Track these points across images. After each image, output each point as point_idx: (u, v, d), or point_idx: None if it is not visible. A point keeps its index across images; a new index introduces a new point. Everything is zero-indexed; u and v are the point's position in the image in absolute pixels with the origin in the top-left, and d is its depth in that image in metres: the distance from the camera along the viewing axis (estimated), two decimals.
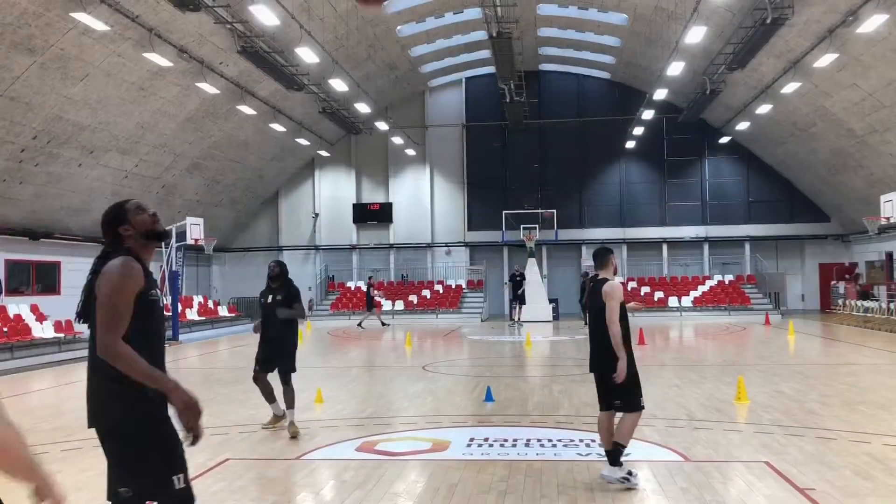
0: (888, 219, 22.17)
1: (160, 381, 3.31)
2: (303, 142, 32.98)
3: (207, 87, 23.33)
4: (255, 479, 6.83)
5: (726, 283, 33.59)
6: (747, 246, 35.01)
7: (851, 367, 14.48)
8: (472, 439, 8.22)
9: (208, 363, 18.55)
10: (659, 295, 32.98)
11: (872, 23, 18.46)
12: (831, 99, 24.97)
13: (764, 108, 27.81)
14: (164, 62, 20.51)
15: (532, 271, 31.01)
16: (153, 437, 3.37)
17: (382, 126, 32.76)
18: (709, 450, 7.62)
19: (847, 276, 32.49)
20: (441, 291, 34.87)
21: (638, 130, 33.13)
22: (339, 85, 25.36)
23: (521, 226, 33.33)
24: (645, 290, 33.53)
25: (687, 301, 32.41)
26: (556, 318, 31.28)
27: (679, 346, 20.27)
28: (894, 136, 24.01)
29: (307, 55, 21.90)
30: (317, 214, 37.31)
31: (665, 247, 35.71)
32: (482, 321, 31.78)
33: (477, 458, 7.43)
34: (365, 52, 28.89)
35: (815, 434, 8.24)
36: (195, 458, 7.55)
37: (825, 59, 21.59)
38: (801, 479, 6.43)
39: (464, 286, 35.37)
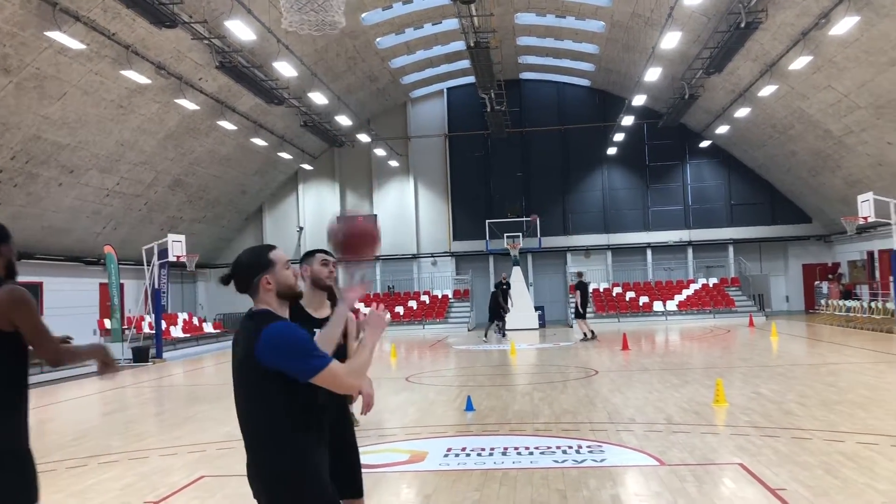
0: (865, 219, 22.35)
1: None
2: (285, 156, 32.96)
3: (187, 104, 23.31)
4: (229, 495, 6.80)
5: (710, 286, 33.75)
6: (730, 249, 35.21)
7: (832, 367, 14.56)
8: (449, 449, 8.21)
9: (191, 380, 18.45)
10: (644, 300, 33.09)
11: (844, 25, 18.67)
12: (808, 101, 25.19)
13: (742, 112, 28.05)
14: (142, 79, 20.49)
15: (517, 279, 31.04)
16: (14, 465, 3.26)
17: (365, 138, 32.82)
18: (684, 453, 7.64)
19: (830, 277, 32.71)
20: (427, 302, 34.86)
21: (619, 137, 33.37)
22: (319, 98, 25.40)
23: (505, 234, 33.43)
24: (630, 294, 33.63)
25: (672, 305, 32.53)
26: (542, 325, 31.32)
27: (662, 351, 20.33)
28: (870, 136, 24.24)
29: (286, 69, 21.97)
30: (301, 228, 37.28)
31: (649, 251, 35.86)
32: (469, 331, 31.78)
33: (453, 469, 7.43)
34: (345, 65, 28.94)
35: (790, 435, 8.28)
36: (168, 477, 7.55)
37: (800, 62, 21.80)
38: (773, 479, 6.46)
39: (450, 296, 35.37)
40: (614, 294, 34.01)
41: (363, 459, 7.86)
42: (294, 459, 3.01)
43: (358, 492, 4.29)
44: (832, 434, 8.19)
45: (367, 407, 4.80)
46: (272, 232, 37.59)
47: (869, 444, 7.61)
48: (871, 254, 29.92)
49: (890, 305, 22.55)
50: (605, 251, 36.22)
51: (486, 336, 25.62)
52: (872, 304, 24.09)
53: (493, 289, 29.63)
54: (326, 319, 4.29)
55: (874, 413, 9.40)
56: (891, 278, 23.33)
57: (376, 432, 9.47)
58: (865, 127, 24.04)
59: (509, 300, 26.67)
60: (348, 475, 4.19)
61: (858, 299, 26.75)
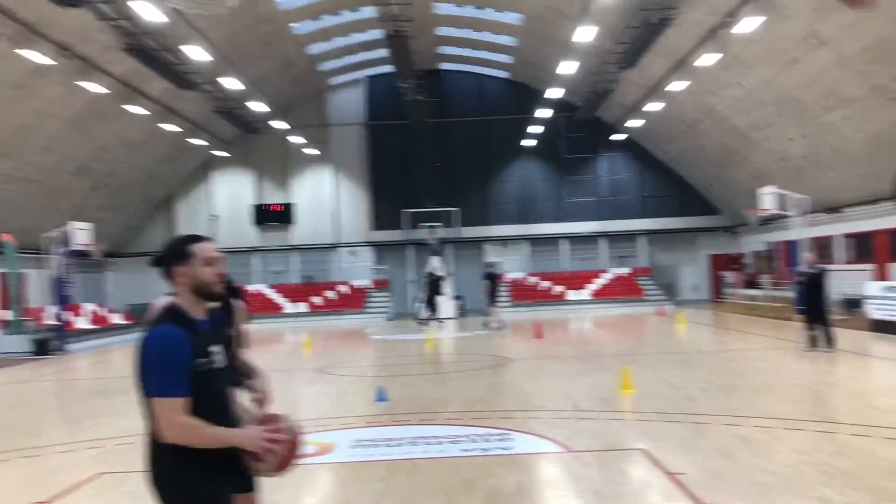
0: (766, 211, 23.28)
1: None
2: (198, 142, 32.05)
3: (93, 87, 22.36)
4: (128, 493, 6.56)
5: (622, 275, 34.61)
6: (642, 240, 36.14)
7: (734, 354, 15.13)
8: (357, 441, 8.14)
9: (96, 373, 17.80)
10: (559, 289, 33.68)
11: (749, 24, 19.32)
12: (716, 97, 26.02)
13: (655, 107, 28.70)
14: (44, 60, 19.50)
15: (436, 269, 31.10)
16: None
17: (281, 126, 32.19)
18: (590, 440, 7.78)
19: (735, 266, 33.99)
20: (346, 292, 34.58)
21: (536, 129, 33.73)
22: (232, 83, 24.78)
23: (424, 224, 33.47)
24: (545, 284, 34.18)
25: (585, 294, 33.22)
26: (461, 314, 31.49)
27: (574, 339, 20.74)
28: (774, 132, 25.23)
29: (197, 53, 21.32)
30: (215, 216, 36.36)
31: (564, 242, 36.46)
32: (388, 321, 31.69)
33: (360, 460, 7.37)
34: (259, 50, 28.29)
35: (691, 420, 8.53)
36: (63, 475, 7.23)
37: (708, 59, 22.45)
38: (673, 464, 6.63)
39: (369, 286, 35.18)
40: (530, 284, 34.50)
41: None
42: (180, 463, 2.94)
43: (250, 486, 4.15)
44: (731, 419, 8.48)
45: (262, 405, 4.59)
46: (184, 220, 36.54)
47: (764, 428, 7.91)
48: (772, 244, 31.21)
49: (790, 294, 23.54)
50: (523, 241, 36.65)
51: (428, 322, 26.12)
52: (773, 293, 25.14)
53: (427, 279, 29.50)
54: (213, 317, 4.09)
55: (770, 398, 9.81)
56: (789, 268, 24.38)
57: None
58: (770, 123, 25.00)
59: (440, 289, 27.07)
60: (241, 470, 4.05)
61: (761, 288, 27.86)
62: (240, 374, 4.27)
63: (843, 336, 14.89)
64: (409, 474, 6.74)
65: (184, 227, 36.52)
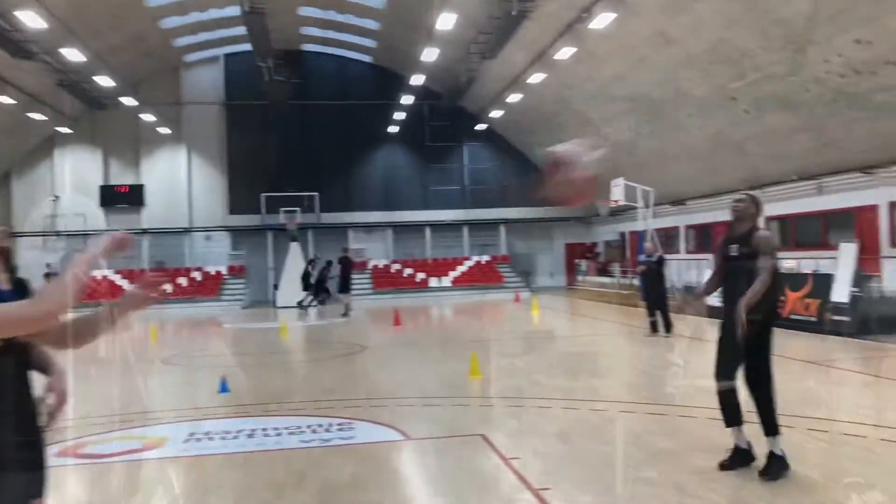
0: (616, 202, 24.23)
1: None
2: (37, 117, 29.79)
3: None
4: None
5: (483, 263, 35.19)
6: (502, 228, 36.88)
7: (581, 339, 15.64)
8: (191, 434, 7.72)
9: None
10: (421, 276, 33.83)
11: (603, 19, 19.97)
12: (572, 90, 26.79)
13: (515, 98, 29.25)
14: None
15: (294, 256, 30.48)
16: None
17: (130, 102, 30.45)
18: (432, 426, 7.73)
19: (588, 255, 35.32)
20: (199, 279, 33.28)
21: (400, 115, 33.61)
22: (74, 55, 23.17)
23: (284, 209, 32.68)
24: (408, 271, 34.24)
25: (447, 281, 33.56)
26: (320, 302, 30.97)
27: (432, 326, 20.83)
28: (625, 126, 26.27)
29: (32, 19, 19.74)
30: (57, 197, 33.99)
31: (428, 230, 36.63)
32: (243, 309, 30.75)
33: (192, 454, 6.98)
34: (107, 22, 26.55)
35: (534, 404, 8.66)
36: None
37: (565, 53, 23.06)
38: (510, 449, 6.65)
39: (224, 273, 34.01)
40: (393, 271, 34.46)
41: (90, 450, 7.21)
42: None
43: (39, 491, 3.73)
44: (570, 402, 8.67)
45: (59, 405, 4.14)
46: (22, 201, 33.96)
47: (600, 411, 8.14)
48: (622, 234, 32.63)
49: (636, 282, 24.64)
50: (387, 228, 36.53)
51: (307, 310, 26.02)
52: (622, 281, 26.25)
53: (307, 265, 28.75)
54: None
55: (609, 382, 10.15)
56: (637, 257, 25.53)
57: (112, 419, 8.74)
58: (621, 117, 26.00)
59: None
60: (30, 474, 3.63)
61: (612, 276, 29.05)
62: (35, 369, 3.80)
63: (682, 322, 15.66)
64: (241, 468, 6.45)
65: (20, 209, 34.01)
